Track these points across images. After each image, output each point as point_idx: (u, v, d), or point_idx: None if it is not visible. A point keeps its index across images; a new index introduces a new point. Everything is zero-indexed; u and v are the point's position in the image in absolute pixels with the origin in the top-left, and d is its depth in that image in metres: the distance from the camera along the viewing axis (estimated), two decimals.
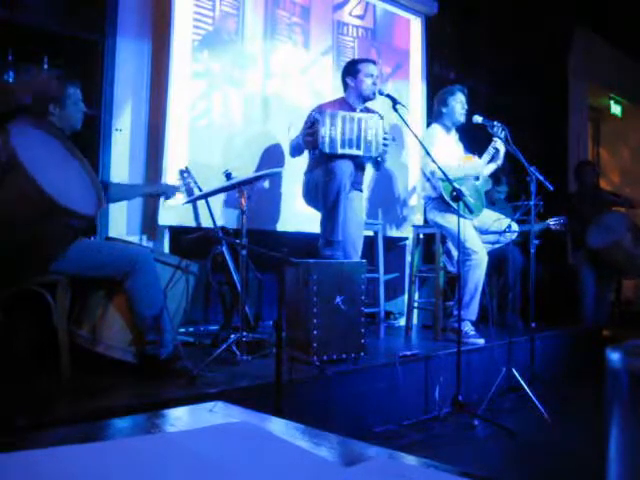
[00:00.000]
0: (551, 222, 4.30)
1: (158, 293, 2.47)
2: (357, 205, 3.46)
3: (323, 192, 3.18)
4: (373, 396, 2.76)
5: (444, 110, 3.83)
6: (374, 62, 3.61)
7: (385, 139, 3.21)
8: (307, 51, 4.16)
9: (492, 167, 3.86)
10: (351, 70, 3.53)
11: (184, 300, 2.71)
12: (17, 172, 1.90)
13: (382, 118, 3.27)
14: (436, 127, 3.84)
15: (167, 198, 3.10)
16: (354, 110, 3.44)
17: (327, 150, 3.12)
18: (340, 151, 3.13)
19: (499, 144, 3.75)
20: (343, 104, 3.49)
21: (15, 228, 2.01)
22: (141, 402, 2.07)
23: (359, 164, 3.38)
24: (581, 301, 4.95)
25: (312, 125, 3.20)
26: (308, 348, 2.74)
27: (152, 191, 3.12)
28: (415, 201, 4.64)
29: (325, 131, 3.11)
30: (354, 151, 3.17)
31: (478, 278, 3.59)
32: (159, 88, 3.44)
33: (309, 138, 3.22)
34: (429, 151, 3.19)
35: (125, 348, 2.49)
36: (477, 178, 3.78)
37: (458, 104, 3.81)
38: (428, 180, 3.74)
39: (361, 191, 3.61)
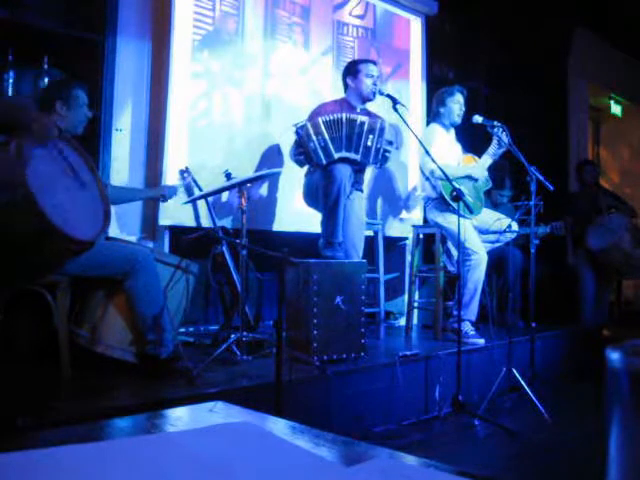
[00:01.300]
0: (555, 230, 4.28)
1: (158, 293, 2.47)
2: (357, 205, 3.45)
3: (323, 194, 3.18)
4: (373, 396, 2.76)
5: (442, 110, 3.83)
6: (374, 62, 3.61)
7: (388, 147, 3.22)
8: (307, 51, 4.16)
9: (489, 161, 3.81)
10: (351, 70, 3.53)
11: (184, 300, 2.71)
12: (18, 187, 1.87)
13: (386, 123, 3.26)
14: (435, 126, 3.84)
15: (164, 200, 3.11)
16: (355, 110, 3.44)
17: (324, 162, 3.14)
18: (337, 155, 3.14)
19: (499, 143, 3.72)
20: (344, 104, 3.49)
21: None
22: (141, 402, 2.07)
23: (358, 166, 3.38)
24: (581, 301, 4.95)
25: (299, 145, 3.21)
26: (308, 348, 2.74)
27: (153, 195, 3.12)
28: (415, 201, 4.64)
29: (314, 144, 3.11)
30: (352, 155, 3.17)
31: (478, 278, 3.59)
32: (159, 88, 3.45)
33: (300, 157, 3.24)
34: (428, 150, 3.19)
35: (125, 348, 2.49)
36: (476, 179, 3.77)
37: (456, 105, 3.80)
38: (427, 179, 3.74)
39: (361, 191, 3.60)
